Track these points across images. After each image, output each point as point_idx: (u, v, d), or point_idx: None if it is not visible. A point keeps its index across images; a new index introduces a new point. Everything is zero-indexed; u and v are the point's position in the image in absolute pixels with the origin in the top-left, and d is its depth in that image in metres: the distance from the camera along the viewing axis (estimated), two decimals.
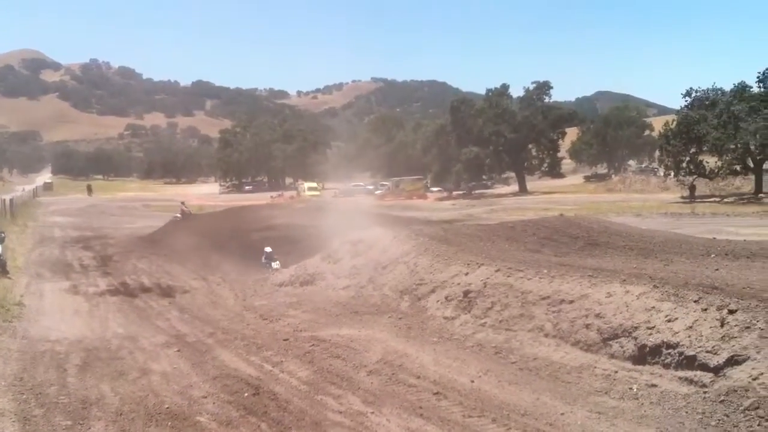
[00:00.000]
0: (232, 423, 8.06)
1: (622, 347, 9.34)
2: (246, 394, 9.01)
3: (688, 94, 59.16)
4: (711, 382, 7.91)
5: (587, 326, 10.05)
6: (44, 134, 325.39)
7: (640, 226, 25.58)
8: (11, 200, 46.50)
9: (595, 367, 9.25)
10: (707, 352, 8.23)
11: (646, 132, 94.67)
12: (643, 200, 54.52)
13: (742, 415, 7.17)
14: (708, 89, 58.83)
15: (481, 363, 10.09)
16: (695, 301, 9.09)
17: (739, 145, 51.25)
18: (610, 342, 9.56)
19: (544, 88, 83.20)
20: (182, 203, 45.55)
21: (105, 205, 67.14)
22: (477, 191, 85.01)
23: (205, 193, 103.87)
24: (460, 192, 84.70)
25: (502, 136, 79.24)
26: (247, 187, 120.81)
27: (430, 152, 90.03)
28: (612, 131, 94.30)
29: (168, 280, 20.19)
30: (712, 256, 15.67)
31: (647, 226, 26.79)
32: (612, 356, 9.39)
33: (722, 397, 7.53)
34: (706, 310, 8.82)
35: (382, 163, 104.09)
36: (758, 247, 16.77)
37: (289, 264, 20.96)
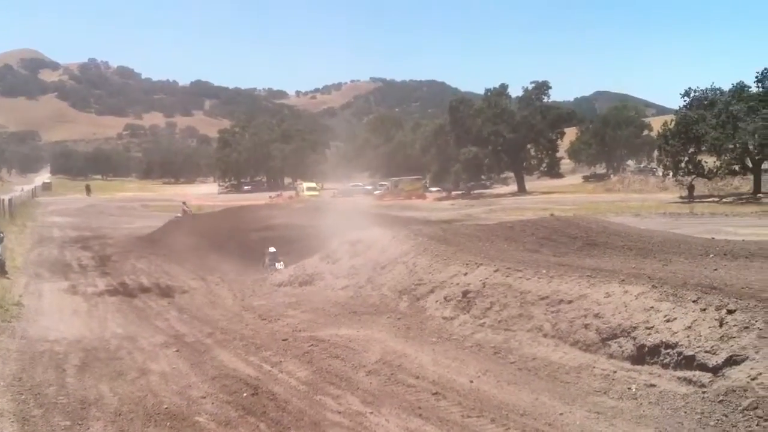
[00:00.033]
0: (231, 423, 8.05)
1: (620, 347, 9.35)
2: (245, 394, 9.01)
3: (686, 94, 59.30)
4: (710, 382, 7.91)
5: (586, 326, 10.05)
6: (43, 134, 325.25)
7: (639, 226, 25.57)
8: (10, 200, 46.48)
9: (594, 367, 9.25)
10: (706, 352, 8.23)
11: (645, 132, 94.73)
12: (641, 200, 54.56)
13: (740, 415, 7.17)
14: (707, 89, 58.99)
15: (479, 363, 10.09)
16: (694, 301, 9.09)
17: (737, 145, 51.31)
18: (609, 342, 9.56)
19: (542, 88, 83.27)
20: (184, 203, 45.67)
21: (104, 205, 67.14)
22: (476, 191, 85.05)
23: (204, 193, 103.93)
24: (459, 192, 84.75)
25: (501, 136, 79.27)
26: (245, 187, 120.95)
27: (429, 152, 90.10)
28: (611, 131, 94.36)
29: (167, 280, 20.19)
30: (711, 256, 15.67)
31: (646, 226, 26.79)
32: (611, 356, 9.39)
33: (721, 397, 7.53)
34: (704, 310, 8.83)
35: (380, 163, 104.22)
36: (757, 247, 16.78)
37: (288, 264, 20.97)
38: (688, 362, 8.33)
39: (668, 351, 8.68)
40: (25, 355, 11.27)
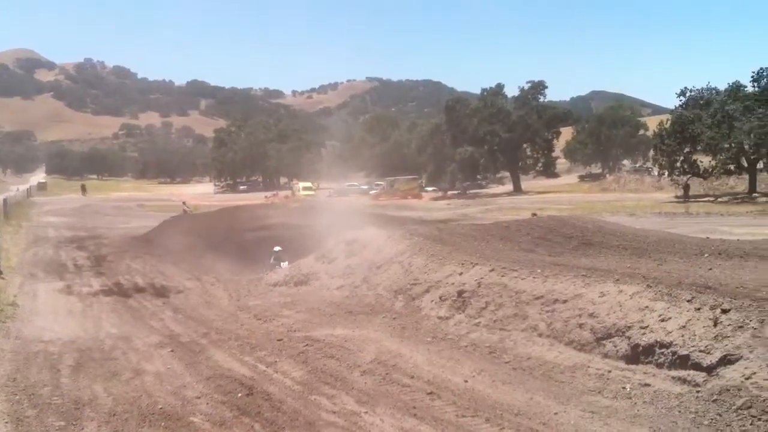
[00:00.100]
0: (226, 423, 8.05)
1: (615, 347, 9.36)
2: (240, 395, 9.00)
3: (682, 93, 59.30)
4: (704, 381, 7.93)
5: (581, 326, 10.07)
6: (38, 134, 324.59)
7: (634, 225, 25.62)
8: (5, 200, 46.38)
9: (589, 367, 9.26)
10: (700, 351, 8.25)
11: (641, 131, 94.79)
12: (637, 200, 54.62)
13: (734, 414, 7.19)
14: (702, 89, 58.98)
15: (474, 363, 10.09)
16: (688, 301, 9.11)
17: (733, 145, 51.37)
18: (604, 341, 9.57)
19: (538, 87, 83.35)
20: (184, 203, 45.72)
21: (99, 205, 66.95)
22: (472, 191, 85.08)
23: (200, 193, 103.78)
24: (455, 192, 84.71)
25: (497, 135, 79.28)
26: (241, 187, 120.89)
27: (425, 152, 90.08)
28: (606, 131, 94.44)
29: (162, 280, 20.15)
30: (706, 255, 15.73)
31: (641, 225, 26.83)
32: (605, 356, 9.40)
33: (715, 397, 7.55)
34: (699, 309, 8.85)
35: (376, 163, 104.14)
36: (751, 246, 16.84)
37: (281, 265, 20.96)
38: (683, 362, 8.34)
39: (663, 350, 8.70)
40: (20, 356, 11.24)
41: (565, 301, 10.76)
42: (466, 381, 9.24)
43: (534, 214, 31.84)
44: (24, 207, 58.82)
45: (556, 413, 7.94)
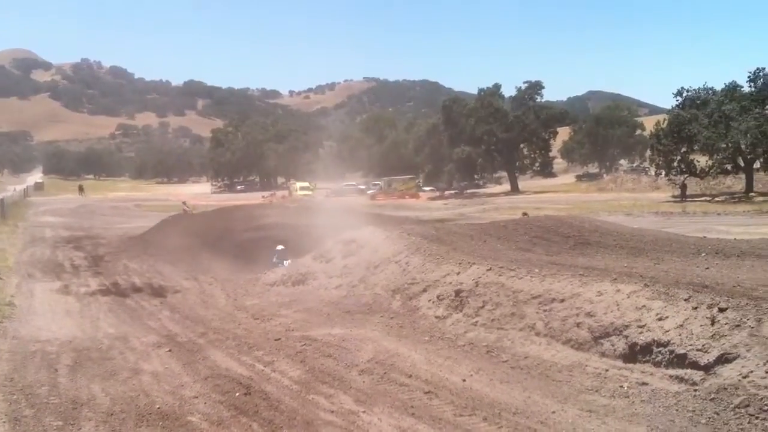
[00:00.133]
0: (224, 423, 8.03)
1: (612, 346, 9.36)
2: (237, 394, 8.99)
3: (679, 93, 59.36)
4: (701, 380, 7.93)
5: (578, 325, 10.07)
6: (35, 134, 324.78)
7: (631, 225, 25.65)
8: (2, 200, 46.35)
9: (586, 366, 9.26)
10: (698, 350, 8.25)
11: (638, 131, 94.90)
12: (634, 199, 54.71)
13: (732, 413, 7.20)
14: (699, 89, 59.03)
15: (472, 362, 10.09)
16: (686, 300, 9.12)
17: (730, 145, 51.41)
18: (601, 340, 9.58)
19: (536, 87, 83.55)
20: (184, 203, 45.77)
21: (96, 205, 66.86)
22: (469, 191, 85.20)
23: (197, 193, 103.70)
24: (452, 191, 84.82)
25: (494, 135, 79.43)
26: (239, 187, 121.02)
27: (423, 152, 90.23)
28: (603, 130, 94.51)
29: (159, 280, 20.13)
30: (703, 254, 15.75)
31: (638, 225, 26.86)
32: (603, 355, 9.41)
33: (712, 395, 7.56)
34: (696, 308, 8.85)
35: (374, 163, 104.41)
36: (748, 245, 16.88)
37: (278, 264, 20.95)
38: (680, 360, 8.35)
39: (660, 349, 8.70)
40: (17, 356, 11.21)
41: (562, 301, 10.77)
42: (463, 380, 9.23)
43: (525, 214, 31.90)
44: (21, 207, 58.74)
45: (553, 412, 7.94)
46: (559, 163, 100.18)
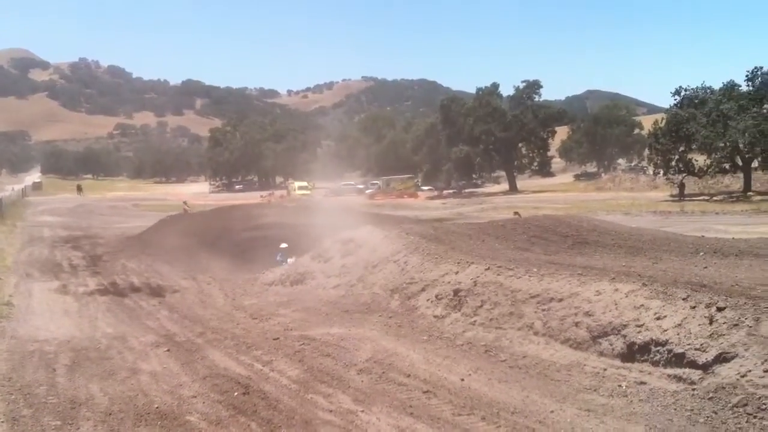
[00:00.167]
0: (222, 422, 8.03)
1: (611, 345, 9.37)
2: (236, 394, 8.98)
3: (677, 92, 59.38)
4: (699, 379, 7.94)
5: (576, 324, 10.07)
6: (33, 134, 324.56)
7: (630, 224, 25.67)
8: (0, 200, 46.29)
9: (585, 365, 9.27)
10: (696, 349, 8.26)
11: (636, 130, 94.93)
12: (632, 198, 54.77)
13: (730, 412, 7.20)
14: (697, 88, 59.09)
15: (470, 361, 10.09)
16: (684, 299, 9.12)
17: (728, 144, 51.47)
18: (600, 340, 9.58)
19: (534, 87, 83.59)
20: (185, 203, 45.82)
21: (94, 205, 66.85)
22: (467, 190, 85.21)
23: (196, 193, 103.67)
24: (451, 191, 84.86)
25: (492, 135, 79.46)
26: (237, 187, 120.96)
27: (421, 151, 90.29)
28: (602, 130, 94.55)
29: (157, 279, 20.13)
30: (701, 254, 15.76)
31: (636, 224, 26.89)
32: (601, 354, 9.41)
33: (711, 395, 7.56)
34: (694, 307, 8.86)
35: (372, 163, 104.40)
36: (746, 245, 16.89)
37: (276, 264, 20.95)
38: (678, 360, 8.36)
39: (658, 348, 8.71)
40: (15, 355, 11.22)
41: (560, 300, 10.77)
42: (462, 379, 9.23)
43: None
44: (19, 207, 58.73)
45: (552, 411, 7.94)
46: (557, 163, 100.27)
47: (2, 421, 8.10)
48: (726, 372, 7.70)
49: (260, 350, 11.28)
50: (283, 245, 22.13)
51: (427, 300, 13.45)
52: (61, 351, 11.53)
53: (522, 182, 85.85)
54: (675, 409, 7.62)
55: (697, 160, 56.01)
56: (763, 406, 7.01)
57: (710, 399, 7.51)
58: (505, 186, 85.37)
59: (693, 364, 8.15)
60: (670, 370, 8.37)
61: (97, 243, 29.91)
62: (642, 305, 9.49)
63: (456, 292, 12.88)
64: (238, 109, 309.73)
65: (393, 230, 18.68)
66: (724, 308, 8.51)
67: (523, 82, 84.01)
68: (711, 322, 8.44)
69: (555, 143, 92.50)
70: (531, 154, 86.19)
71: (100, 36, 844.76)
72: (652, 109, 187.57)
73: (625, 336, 9.24)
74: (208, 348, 11.67)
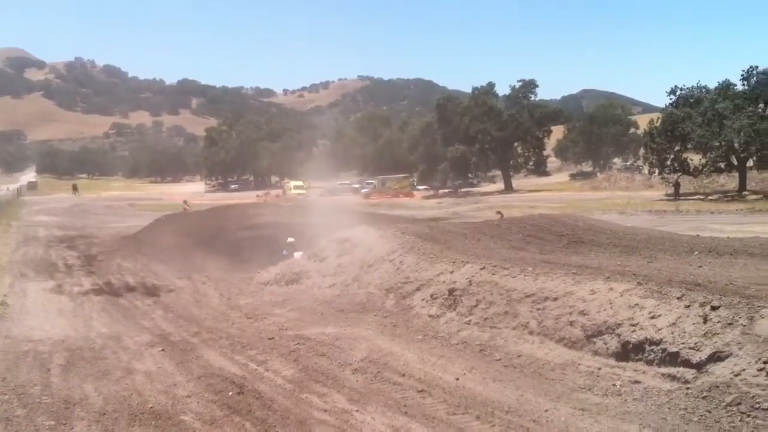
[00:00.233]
0: (217, 422, 8.03)
1: (605, 344, 9.38)
2: (230, 393, 8.98)
3: (672, 92, 59.36)
4: (693, 378, 7.96)
5: (571, 323, 10.08)
6: (29, 133, 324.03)
7: (625, 223, 25.72)
8: None
9: (579, 364, 9.28)
10: (690, 348, 8.28)
11: (631, 130, 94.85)
12: (627, 198, 54.78)
13: (724, 410, 7.22)
14: (693, 87, 59.01)
15: (465, 360, 10.10)
16: (678, 298, 9.14)
17: (723, 143, 51.48)
18: (594, 339, 9.59)
19: (529, 86, 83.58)
20: (185, 202, 45.82)
21: (90, 205, 66.64)
22: (463, 189, 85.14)
23: (191, 192, 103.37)
24: (447, 190, 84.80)
25: (488, 134, 79.41)
26: (232, 186, 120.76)
27: (416, 150, 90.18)
28: (597, 129, 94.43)
29: (153, 279, 20.10)
30: (696, 253, 15.80)
31: (631, 223, 26.94)
32: (596, 353, 9.42)
33: (704, 393, 7.58)
34: (689, 306, 8.87)
35: (368, 162, 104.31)
36: (741, 244, 16.92)
37: (275, 262, 20.91)
38: (673, 359, 8.37)
39: (653, 347, 8.72)
40: (9, 355, 11.20)
41: (555, 299, 10.78)
42: (456, 379, 9.24)
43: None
44: (14, 206, 58.61)
45: (546, 410, 7.95)
46: (552, 162, 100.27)
47: None
48: (720, 371, 7.72)
49: (255, 350, 11.28)
50: (290, 239, 22.13)
51: (423, 299, 13.46)
52: (55, 351, 11.52)
53: (518, 181, 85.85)
54: (669, 408, 7.63)
55: (692, 160, 56.03)
56: (757, 405, 7.03)
57: (704, 398, 7.53)
58: (500, 185, 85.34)
59: (687, 363, 8.16)
60: (664, 369, 8.38)
61: (92, 242, 29.86)
62: (636, 304, 9.51)
63: (451, 291, 12.89)
64: (234, 108, 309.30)
65: (388, 230, 18.69)
66: (719, 307, 8.53)
67: (518, 81, 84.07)
68: (705, 321, 8.45)
69: (551, 142, 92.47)
70: (527, 154, 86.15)
71: (95, 35, 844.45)
72: (647, 109, 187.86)
73: (619, 335, 9.26)
74: (203, 348, 11.66)
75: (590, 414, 7.77)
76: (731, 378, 7.50)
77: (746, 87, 55.19)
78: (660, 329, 8.80)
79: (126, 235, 32.24)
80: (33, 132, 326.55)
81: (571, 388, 8.64)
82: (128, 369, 10.37)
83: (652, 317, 9.07)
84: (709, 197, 52.26)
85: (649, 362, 8.66)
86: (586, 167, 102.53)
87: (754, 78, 54.76)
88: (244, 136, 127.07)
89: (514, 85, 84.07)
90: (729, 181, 58.34)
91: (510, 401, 8.32)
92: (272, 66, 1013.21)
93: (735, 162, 54.23)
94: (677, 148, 56.11)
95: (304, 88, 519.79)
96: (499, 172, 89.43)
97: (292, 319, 13.81)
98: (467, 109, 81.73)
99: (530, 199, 58.67)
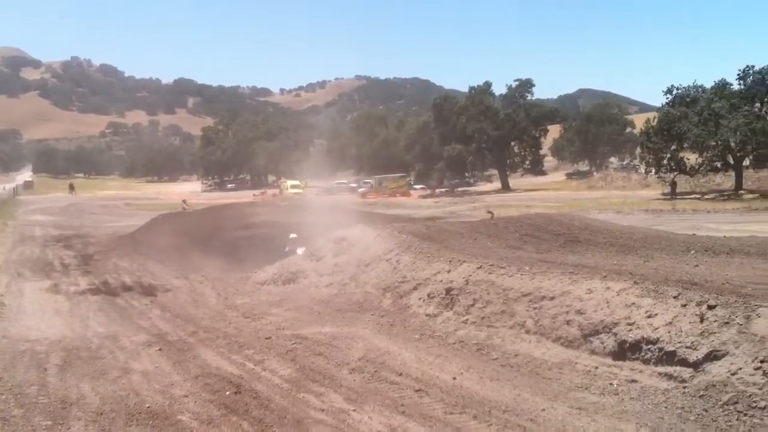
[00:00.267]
0: (214, 422, 8.02)
1: (602, 343, 9.39)
2: (227, 393, 8.97)
3: (669, 91, 59.42)
4: (690, 377, 7.97)
5: (568, 322, 10.09)
6: (25, 132, 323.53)
7: (621, 222, 25.74)
8: None
9: (576, 363, 9.29)
10: (687, 347, 8.29)
11: (628, 129, 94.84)
12: (624, 197, 54.84)
13: (720, 409, 7.24)
14: (689, 87, 59.09)
15: (462, 360, 10.10)
16: (675, 297, 9.15)
17: (719, 142, 51.58)
18: (591, 338, 9.60)
19: (526, 85, 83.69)
20: (184, 201, 45.78)
21: (86, 204, 66.58)
22: (460, 189, 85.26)
23: (188, 191, 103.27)
24: (443, 189, 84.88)
25: (485, 133, 79.49)
26: (229, 185, 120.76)
27: (413, 150, 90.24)
28: (594, 128, 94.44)
29: (149, 278, 20.06)
30: (692, 252, 15.82)
31: (628, 222, 26.96)
32: (592, 352, 9.44)
33: (701, 392, 7.59)
34: (685, 305, 8.88)
35: (365, 161, 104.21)
36: (737, 243, 16.94)
37: (271, 262, 20.89)
38: (669, 358, 8.38)
39: (649, 346, 8.73)
40: (6, 355, 11.17)
41: (552, 298, 10.79)
42: (454, 378, 9.24)
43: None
44: (10, 206, 58.55)
45: (543, 409, 7.96)
46: (549, 161, 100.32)
47: None
48: (717, 370, 7.73)
49: (252, 349, 11.27)
50: (293, 235, 22.15)
51: (419, 299, 13.46)
52: (52, 350, 11.49)
53: (514, 181, 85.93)
54: (666, 407, 7.64)
55: (688, 159, 56.13)
56: (754, 404, 7.05)
57: (701, 397, 7.54)
58: (497, 184, 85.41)
59: (684, 362, 8.17)
60: (661, 368, 8.40)
61: (88, 242, 29.81)
62: (633, 303, 9.52)
63: (448, 290, 12.89)
64: (230, 107, 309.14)
65: (385, 229, 18.69)
66: (715, 306, 8.54)
67: (515, 80, 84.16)
68: (702, 320, 8.47)
69: (547, 142, 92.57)
70: (523, 153, 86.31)
71: (92, 35, 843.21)
72: (643, 108, 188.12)
73: (616, 334, 9.27)
74: (200, 347, 11.65)
75: (587, 413, 7.77)
76: (728, 377, 7.52)
77: (742, 86, 55.25)
78: (657, 328, 8.81)
79: (122, 234, 32.18)
80: (29, 131, 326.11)
81: (568, 387, 8.65)
82: (125, 369, 10.35)
83: (649, 316, 9.08)
84: (706, 196, 52.34)
85: (646, 361, 8.67)
86: (583, 167, 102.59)
87: (750, 78, 54.77)
88: (240, 136, 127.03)
89: (511, 85, 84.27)
90: (725, 181, 58.43)
91: (507, 400, 8.33)
92: (269, 65, 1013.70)
93: (731, 161, 54.35)
94: (674, 147, 56.24)
95: (300, 88, 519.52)
96: (495, 172, 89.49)
97: (289, 318, 13.80)
98: (464, 108, 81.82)
99: (527, 199, 58.71)
